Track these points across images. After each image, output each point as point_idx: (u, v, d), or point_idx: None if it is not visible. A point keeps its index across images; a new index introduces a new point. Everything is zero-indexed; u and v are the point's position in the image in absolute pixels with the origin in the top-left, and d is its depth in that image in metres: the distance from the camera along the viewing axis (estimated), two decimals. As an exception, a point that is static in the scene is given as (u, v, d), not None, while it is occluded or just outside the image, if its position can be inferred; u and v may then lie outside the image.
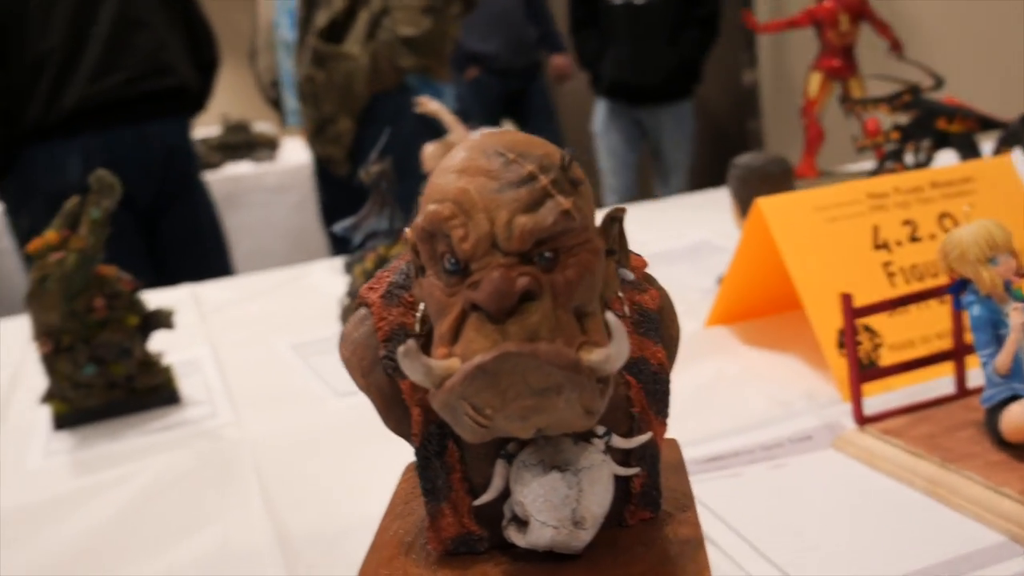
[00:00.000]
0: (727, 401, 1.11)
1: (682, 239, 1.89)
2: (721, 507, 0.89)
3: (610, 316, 0.41)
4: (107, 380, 1.25)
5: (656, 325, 0.52)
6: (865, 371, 0.95)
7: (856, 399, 0.96)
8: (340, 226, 1.43)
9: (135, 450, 1.17)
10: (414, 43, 2.46)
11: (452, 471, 0.48)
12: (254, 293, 1.94)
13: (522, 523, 0.47)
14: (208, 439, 1.18)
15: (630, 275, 0.48)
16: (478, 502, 0.49)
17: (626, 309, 0.49)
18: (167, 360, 1.40)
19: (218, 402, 1.31)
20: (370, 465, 0.94)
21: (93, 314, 1.23)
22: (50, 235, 1.23)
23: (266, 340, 1.58)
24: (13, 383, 1.49)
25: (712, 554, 0.81)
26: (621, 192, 3.91)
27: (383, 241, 1.40)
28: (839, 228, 1.10)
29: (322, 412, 1.23)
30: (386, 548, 0.51)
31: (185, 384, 1.38)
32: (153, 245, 2.55)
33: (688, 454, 1.00)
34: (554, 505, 0.46)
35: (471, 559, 0.49)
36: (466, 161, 0.44)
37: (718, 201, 1.87)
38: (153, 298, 1.93)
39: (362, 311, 0.52)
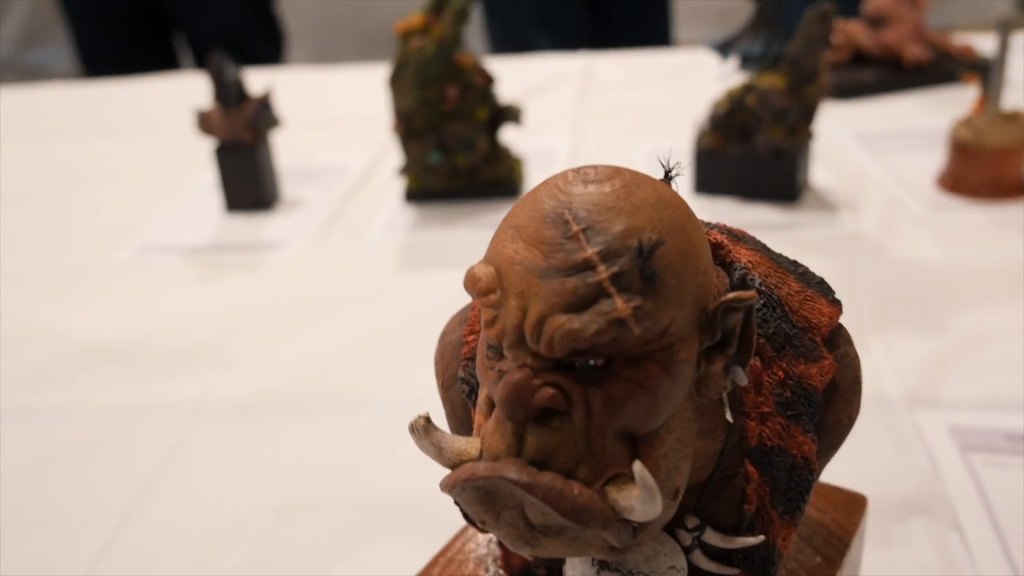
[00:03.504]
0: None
1: None
2: (1005, 510, 0.73)
3: (636, 468, 0.32)
4: (451, 168, 1.30)
5: (815, 408, 0.40)
6: None
7: None
8: (715, 40, 1.29)
9: (460, 244, 1.23)
10: None
11: (520, 508, 0.43)
12: (649, 76, 1.86)
13: (569, 596, 0.41)
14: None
15: (743, 379, 0.36)
16: (536, 551, 0.43)
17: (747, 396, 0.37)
18: (523, 147, 1.41)
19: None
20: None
21: (444, 104, 1.25)
22: (416, 18, 1.25)
23: (627, 140, 1.52)
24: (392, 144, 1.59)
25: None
26: None
27: (754, 67, 1.24)
28: None
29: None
30: (464, 551, 0.48)
31: (534, 176, 1.39)
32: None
33: (993, 422, 0.82)
34: (592, 605, 0.39)
35: (532, 598, 0.45)
36: (528, 219, 0.34)
37: None
38: (544, 65, 1.94)
39: (469, 307, 0.46)
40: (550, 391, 0.33)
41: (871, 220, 1.22)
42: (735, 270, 0.40)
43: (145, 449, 0.89)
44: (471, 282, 0.34)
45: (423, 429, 0.36)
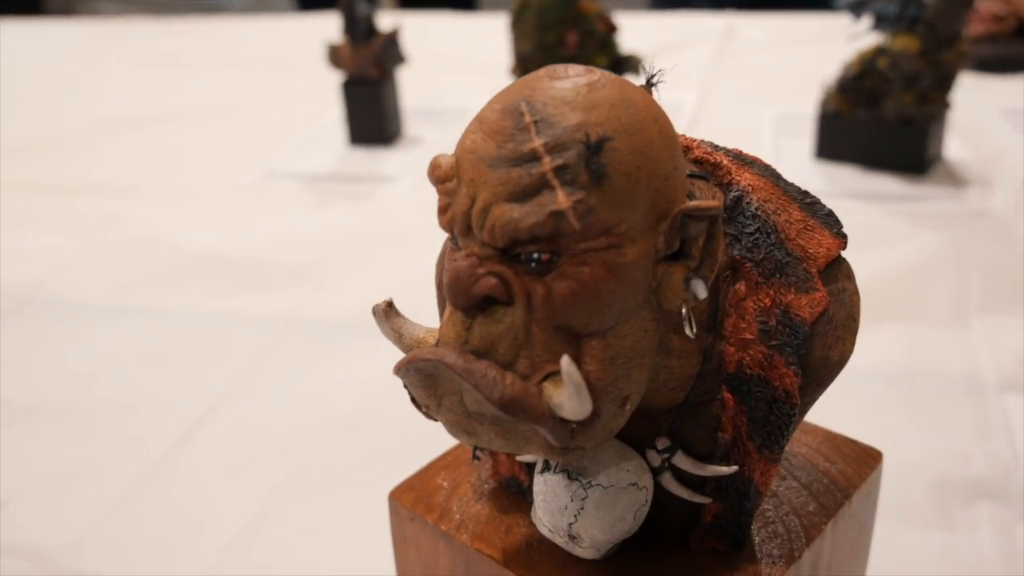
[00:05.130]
0: None
1: None
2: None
3: (564, 363, 0.31)
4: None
5: (801, 339, 0.38)
6: None
7: None
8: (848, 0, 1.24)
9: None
10: None
11: (508, 413, 0.43)
12: (792, 38, 1.80)
13: (537, 503, 0.41)
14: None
15: (703, 292, 0.35)
16: (519, 457, 0.44)
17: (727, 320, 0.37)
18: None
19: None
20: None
21: (563, 49, 1.25)
22: (541, -38, 1.24)
23: (755, 100, 1.48)
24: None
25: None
26: None
27: (888, 28, 1.18)
28: None
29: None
30: (463, 453, 0.49)
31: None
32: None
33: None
34: (551, 510, 0.39)
35: (514, 503, 0.45)
36: (491, 110, 0.34)
37: None
38: (686, 22, 1.90)
39: None
40: (491, 280, 0.33)
41: (1001, 199, 1.14)
42: (731, 191, 0.39)
43: (236, 354, 0.94)
44: (432, 169, 0.35)
45: (383, 313, 0.37)
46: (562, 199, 0.32)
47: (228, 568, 0.70)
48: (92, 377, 0.93)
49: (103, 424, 0.86)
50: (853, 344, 0.40)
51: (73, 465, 0.82)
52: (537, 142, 0.32)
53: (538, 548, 0.43)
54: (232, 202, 1.29)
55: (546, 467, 0.40)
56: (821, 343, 0.39)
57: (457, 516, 0.45)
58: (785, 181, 0.42)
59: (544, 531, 0.40)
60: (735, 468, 0.39)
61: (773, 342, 0.39)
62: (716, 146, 0.42)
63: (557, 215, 0.32)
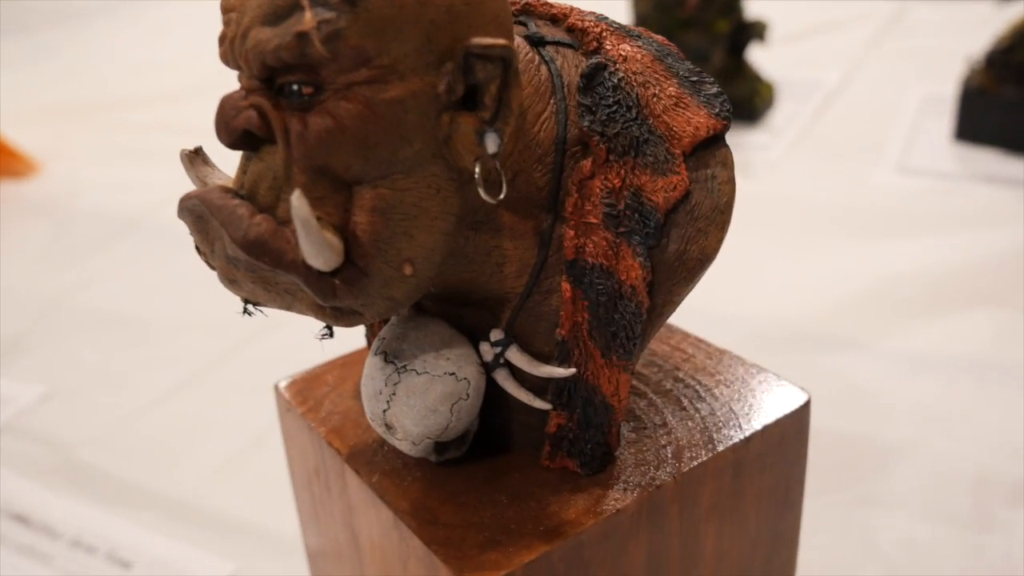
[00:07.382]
0: None
1: None
2: None
3: (294, 199, 0.28)
4: (681, 81, 1.24)
5: (653, 228, 0.33)
6: None
7: None
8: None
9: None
10: None
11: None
12: (965, 22, 1.63)
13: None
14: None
15: (494, 146, 0.30)
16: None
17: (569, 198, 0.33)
18: (786, 75, 1.32)
19: (779, 142, 1.20)
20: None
21: (681, 10, 1.19)
22: (665, -82, 1.19)
23: (902, 81, 1.36)
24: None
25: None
26: None
27: (1046, -7, 1.05)
28: None
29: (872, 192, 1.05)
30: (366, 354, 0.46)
31: (786, 104, 1.29)
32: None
33: None
34: (368, 394, 0.36)
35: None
36: None
37: None
38: (850, 4, 1.77)
39: None
40: (250, 113, 0.30)
41: None
42: (593, 59, 0.35)
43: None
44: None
45: (188, 160, 0.35)
46: (308, 19, 0.29)
47: (224, 480, 0.71)
48: (169, 297, 0.98)
49: (159, 339, 0.90)
50: (720, 241, 0.35)
51: (119, 370, 0.86)
52: None
53: (386, 450, 0.40)
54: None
55: (374, 348, 0.37)
56: (678, 235, 0.34)
57: (326, 410, 0.43)
58: (676, 58, 0.37)
59: (368, 419, 0.37)
60: (573, 371, 0.35)
61: (621, 229, 0.34)
62: (602, 17, 0.37)
63: (302, 36, 0.29)
